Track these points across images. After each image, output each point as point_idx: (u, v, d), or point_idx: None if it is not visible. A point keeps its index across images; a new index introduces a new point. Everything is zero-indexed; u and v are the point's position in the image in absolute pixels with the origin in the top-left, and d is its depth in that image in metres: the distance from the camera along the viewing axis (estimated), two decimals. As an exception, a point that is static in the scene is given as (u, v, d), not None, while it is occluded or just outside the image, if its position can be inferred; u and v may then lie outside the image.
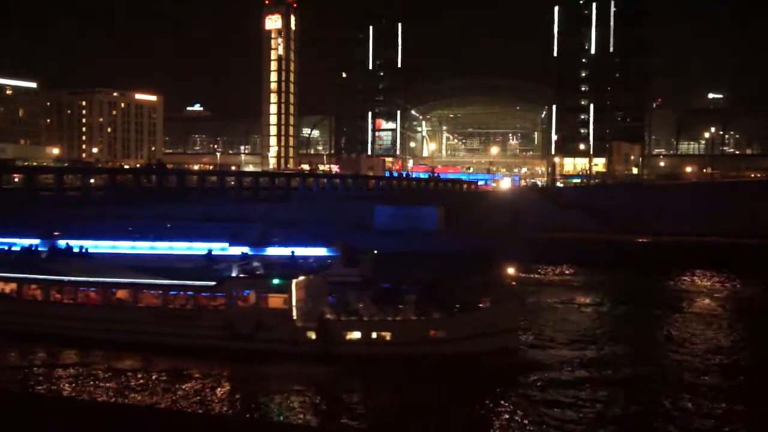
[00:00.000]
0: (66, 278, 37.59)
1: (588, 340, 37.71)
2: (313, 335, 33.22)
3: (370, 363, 31.38)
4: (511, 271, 35.01)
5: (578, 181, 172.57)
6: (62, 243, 43.21)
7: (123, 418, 26.40)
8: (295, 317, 33.84)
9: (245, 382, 31.13)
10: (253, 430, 24.77)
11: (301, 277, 35.01)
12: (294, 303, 33.89)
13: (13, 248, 44.22)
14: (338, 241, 45.08)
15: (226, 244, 53.59)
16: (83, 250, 42.47)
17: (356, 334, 33.24)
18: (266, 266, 36.95)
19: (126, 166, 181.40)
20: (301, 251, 49.23)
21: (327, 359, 31.90)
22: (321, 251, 48.62)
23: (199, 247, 52.99)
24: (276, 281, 34.25)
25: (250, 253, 48.40)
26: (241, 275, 35.69)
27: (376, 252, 40.91)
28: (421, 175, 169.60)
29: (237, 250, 48.91)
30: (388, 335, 32.98)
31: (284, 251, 49.24)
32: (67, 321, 36.17)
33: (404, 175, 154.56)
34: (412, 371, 30.71)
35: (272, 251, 50.51)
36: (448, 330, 32.90)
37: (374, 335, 33.04)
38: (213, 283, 35.25)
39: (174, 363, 32.56)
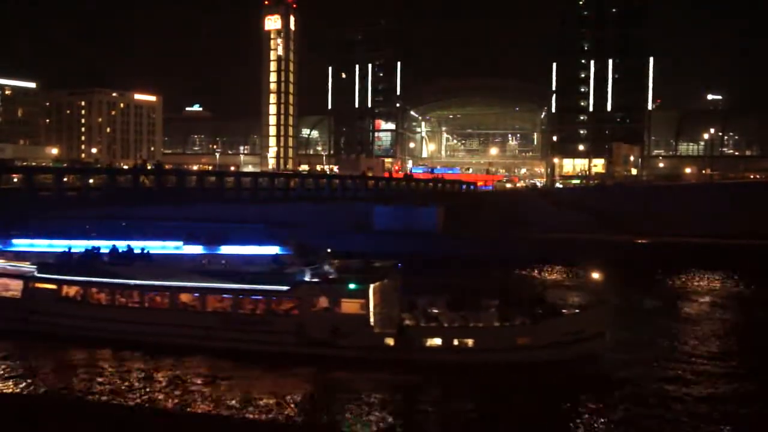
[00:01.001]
0: (132, 282, 37.01)
1: (649, 343, 37.26)
2: (391, 342, 32.40)
3: (452, 370, 30.54)
4: (596, 275, 34.32)
5: (577, 182, 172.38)
6: (123, 245, 42.58)
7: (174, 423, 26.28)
8: (372, 323, 33.03)
9: (320, 390, 30.33)
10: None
11: (378, 282, 34.11)
12: (371, 308, 33.09)
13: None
14: (292, 239, 44.89)
15: (180, 243, 53.42)
16: (144, 253, 41.67)
17: (437, 341, 32.36)
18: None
19: (125, 167, 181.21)
20: (254, 250, 49.29)
21: (406, 366, 30.92)
22: (274, 249, 48.75)
23: (153, 246, 53.02)
24: (353, 286, 33.42)
25: (204, 251, 48.24)
26: (315, 279, 34.88)
27: (329, 251, 41.11)
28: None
29: (191, 249, 48.77)
30: (470, 342, 32.09)
31: (238, 250, 49.32)
32: (133, 325, 35.67)
33: (406, 176, 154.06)
34: (494, 379, 29.90)
35: (226, 250, 50.86)
36: (533, 336, 31.87)
37: (456, 342, 32.15)
38: (285, 287, 34.50)
39: (244, 369, 31.83)
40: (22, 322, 37.45)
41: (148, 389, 29.87)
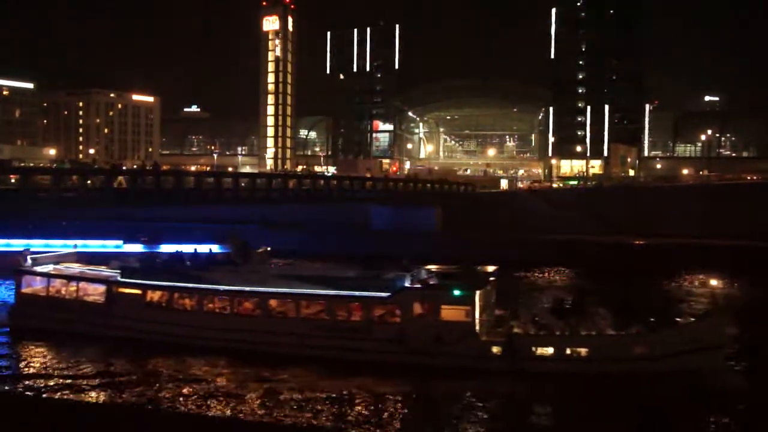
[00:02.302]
0: (222, 287, 35.87)
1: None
2: (498, 350, 31.27)
3: (564, 381, 29.29)
4: (715, 282, 33.22)
5: (575, 183, 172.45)
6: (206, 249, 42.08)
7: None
8: (478, 331, 31.88)
9: (422, 401, 28.91)
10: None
11: (483, 288, 32.89)
12: (477, 316, 31.97)
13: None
14: (233, 237, 44.56)
15: (120, 242, 53.65)
16: (228, 258, 40.00)
17: (548, 350, 31.16)
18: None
19: (124, 167, 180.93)
20: (191, 248, 49.48)
21: (514, 377, 29.69)
22: (213, 247, 48.83)
23: (93, 245, 53.09)
24: (457, 292, 32.16)
25: (143, 249, 48.15)
26: (416, 286, 33.66)
27: (269, 249, 40.90)
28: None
29: (132, 248, 48.87)
30: (583, 351, 30.81)
31: (175, 248, 49.43)
32: (222, 332, 34.69)
33: (410, 177, 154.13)
34: (610, 390, 28.54)
35: (165, 248, 51.00)
36: (650, 346, 30.47)
37: (568, 351, 30.95)
38: (385, 294, 33.24)
39: (340, 378, 30.49)
40: (105, 328, 36.81)
41: (235, 398, 28.55)
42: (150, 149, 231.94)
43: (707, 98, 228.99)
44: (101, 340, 36.04)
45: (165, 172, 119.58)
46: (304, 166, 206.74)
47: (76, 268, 42.14)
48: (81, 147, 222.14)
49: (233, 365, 32.51)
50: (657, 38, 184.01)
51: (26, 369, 33.43)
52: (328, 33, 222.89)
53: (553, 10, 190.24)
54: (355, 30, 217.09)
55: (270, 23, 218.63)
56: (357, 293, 33.74)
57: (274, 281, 35.67)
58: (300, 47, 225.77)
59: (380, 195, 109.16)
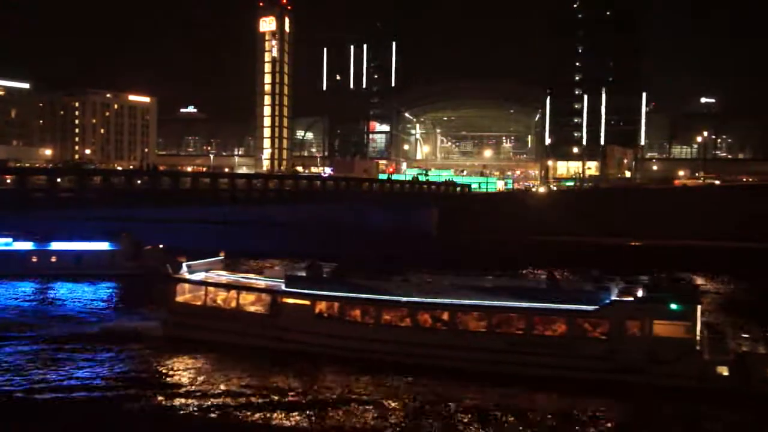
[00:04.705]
0: (402, 298, 33.77)
1: None
2: (725, 371, 28.89)
3: None
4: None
5: (571, 184, 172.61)
6: None
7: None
8: (699, 348, 29.69)
9: (637, 426, 26.85)
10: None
11: (701, 302, 31.02)
12: (698, 332, 29.91)
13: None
14: (124, 235, 44.00)
15: (9, 240, 53.96)
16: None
17: None
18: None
19: (119, 168, 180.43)
20: (84, 246, 49.58)
21: (745, 400, 27.42)
22: (103, 245, 48.86)
23: None
24: (675, 306, 29.90)
25: (34, 247, 47.61)
26: (626, 299, 31.62)
27: (162, 246, 40.21)
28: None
29: (22, 245, 48.86)
30: None
31: (68, 246, 49.56)
32: (401, 346, 32.77)
33: (415, 179, 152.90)
34: None
35: (57, 246, 51.02)
36: None
37: None
38: (591, 307, 31.22)
39: (538, 399, 28.55)
40: (268, 339, 35.16)
41: (413, 421, 26.30)
42: (146, 150, 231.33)
43: (704, 100, 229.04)
44: (264, 352, 34.38)
45: (161, 173, 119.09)
46: (293, 167, 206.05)
47: (224, 275, 40.37)
48: (77, 147, 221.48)
49: (412, 383, 30.55)
50: (654, 40, 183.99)
51: (182, 384, 31.33)
52: (325, 34, 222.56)
53: (551, 12, 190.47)
54: (352, 30, 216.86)
55: (267, 24, 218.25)
56: (558, 306, 31.70)
57: (454, 292, 33.61)
58: (297, 48, 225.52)
59: (377, 196, 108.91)
